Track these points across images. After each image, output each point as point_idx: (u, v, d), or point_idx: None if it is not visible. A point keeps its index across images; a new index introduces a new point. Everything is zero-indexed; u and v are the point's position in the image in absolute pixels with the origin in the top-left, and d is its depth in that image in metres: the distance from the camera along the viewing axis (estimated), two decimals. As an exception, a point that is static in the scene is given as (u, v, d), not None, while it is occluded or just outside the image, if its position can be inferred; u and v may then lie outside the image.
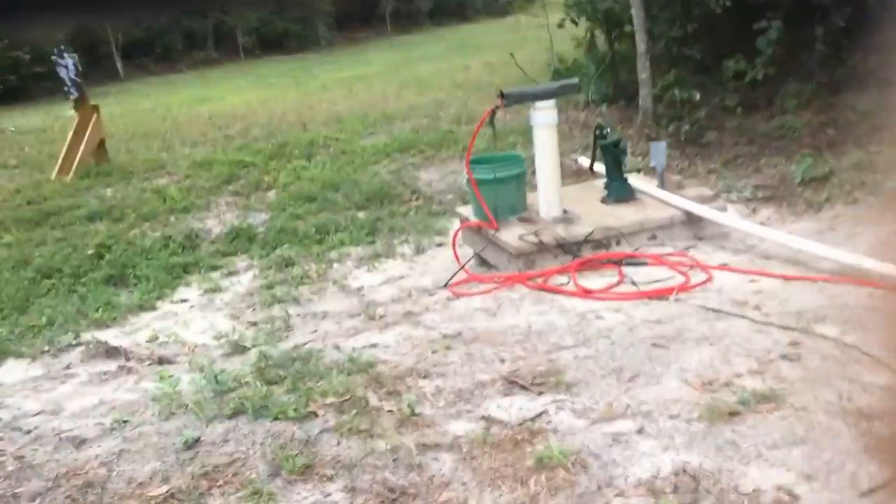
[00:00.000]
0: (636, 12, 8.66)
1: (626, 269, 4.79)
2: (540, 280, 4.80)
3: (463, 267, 5.45)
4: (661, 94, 8.87)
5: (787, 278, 4.41)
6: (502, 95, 5.25)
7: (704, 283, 4.47)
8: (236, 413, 3.23)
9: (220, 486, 2.85)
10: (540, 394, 3.23)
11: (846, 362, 3.22)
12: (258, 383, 3.51)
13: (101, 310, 5.73)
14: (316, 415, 3.16)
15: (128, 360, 4.54)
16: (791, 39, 9.70)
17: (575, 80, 5.54)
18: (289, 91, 16.51)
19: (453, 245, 5.57)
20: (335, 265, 6.40)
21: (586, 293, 4.49)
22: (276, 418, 3.15)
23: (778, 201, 6.44)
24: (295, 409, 3.18)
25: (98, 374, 4.37)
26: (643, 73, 8.70)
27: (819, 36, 9.02)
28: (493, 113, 5.43)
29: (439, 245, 6.54)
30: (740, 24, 9.62)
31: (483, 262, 5.74)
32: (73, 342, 5.10)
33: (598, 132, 5.75)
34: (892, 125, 7.76)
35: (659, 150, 5.74)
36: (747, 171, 7.31)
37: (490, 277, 5.17)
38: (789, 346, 3.42)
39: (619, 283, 4.61)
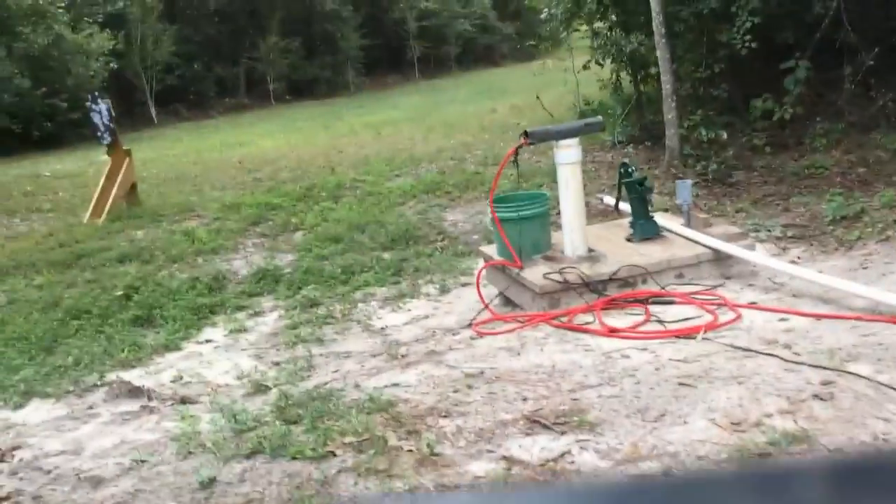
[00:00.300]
0: (661, 54, 8.68)
1: (653, 308, 4.71)
2: (564, 319, 4.73)
3: (487, 306, 5.41)
4: (687, 133, 8.84)
5: (818, 317, 4.30)
6: (526, 134, 5.25)
7: (733, 321, 4.38)
8: (254, 453, 3.19)
9: (235, 527, 2.80)
10: (563, 433, 3.15)
11: (881, 402, 3.11)
12: (277, 423, 3.47)
13: (127, 350, 5.76)
14: (334, 454, 3.11)
15: (150, 399, 4.54)
16: (819, 79, 9.67)
17: (599, 118, 5.53)
18: (318, 135, 16.73)
19: (477, 284, 5.53)
20: (360, 305, 6.38)
21: (612, 332, 4.41)
22: (293, 458, 3.10)
23: (808, 240, 6.34)
24: (313, 449, 3.13)
25: (120, 413, 4.36)
26: (669, 114, 8.69)
27: (847, 75, 8.97)
28: (517, 152, 5.43)
29: (464, 285, 6.50)
30: (767, 63, 9.61)
31: (508, 302, 5.69)
32: (98, 382, 5.12)
33: (623, 170, 5.72)
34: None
35: (685, 189, 5.68)
36: (776, 210, 7.22)
37: (514, 316, 5.12)
38: (821, 386, 3.32)
39: (645, 321, 4.53)
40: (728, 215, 7.20)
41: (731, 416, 3.14)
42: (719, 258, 5.27)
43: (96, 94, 10.42)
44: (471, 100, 20.43)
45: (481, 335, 4.87)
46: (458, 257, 7.18)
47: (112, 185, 10.13)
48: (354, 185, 10.17)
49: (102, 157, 11.69)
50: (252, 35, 29.60)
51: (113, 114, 10.28)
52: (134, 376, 5.25)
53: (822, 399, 3.20)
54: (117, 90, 25.56)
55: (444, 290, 6.45)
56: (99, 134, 10.27)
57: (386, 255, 7.39)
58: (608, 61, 10.65)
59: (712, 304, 4.68)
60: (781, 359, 3.68)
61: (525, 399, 3.54)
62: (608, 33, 10.78)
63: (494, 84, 24.28)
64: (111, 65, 23.17)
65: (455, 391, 3.74)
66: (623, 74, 11.11)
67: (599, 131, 6.60)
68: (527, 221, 5.44)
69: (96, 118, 10.14)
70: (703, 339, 4.15)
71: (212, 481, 3.01)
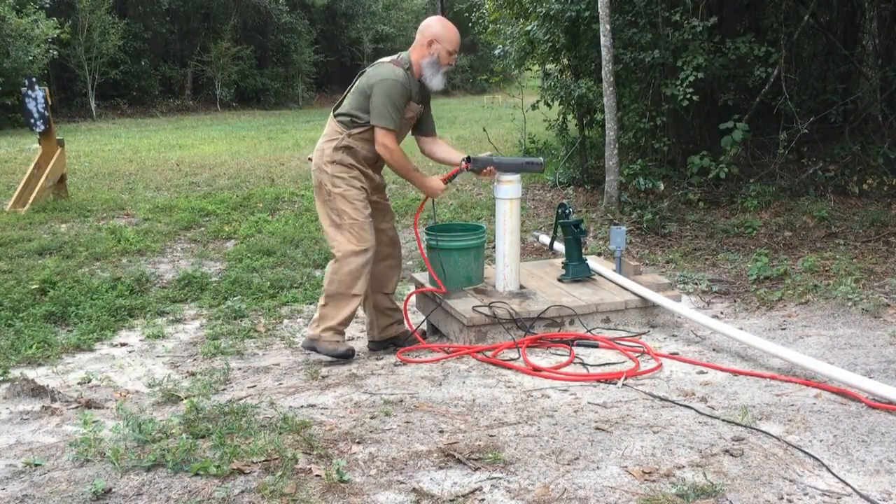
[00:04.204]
0: (608, 101, 8.85)
1: (577, 350, 4.73)
2: (489, 353, 4.72)
3: (414, 332, 5.36)
4: (626, 182, 9.02)
5: (735, 373, 4.38)
6: (469, 159, 5.25)
7: (653, 370, 4.42)
8: (155, 465, 3.06)
9: (127, 543, 2.67)
10: (476, 469, 3.11)
11: (789, 462, 3.17)
12: (184, 436, 3.34)
13: (35, 347, 5.53)
14: (240, 473, 3.00)
15: (53, 400, 4.34)
16: (755, 142, 10.00)
17: (540, 159, 5.56)
18: (261, 145, 16.52)
19: (405, 310, 5.48)
20: (286, 321, 6.28)
21: (535, 370, 4.41)
22: (196, 474, 2.98)
23: (732, 297, 6.50)
24: (218, 466, 3.01)
25: (20, 412, 4.16)
26: (611, 160, 8.85)
27: (782, 141, 9.31)
28: (456, 174, 5.39)
29: (393, 310, 6.44)
30: (707, 122, 9.91)
31: (435, 331, 5.66)
32: (0, 378, 4.89)
33: (560, 211, 5.77)
34: (846, 233, 7.94)
35: (619, 235, 5.76)
36: (705, 264, 7.39)
37: (439, 346, 5.08)
38: (733, 441, 3.36)
39: (568, 363, 4.55)
40: (658, 265, 7.34)
41: (643, 464, 3.15)
42: (646, 306, 5.34)
43: (34, 79, 10.09)
44: (419, 126, 20.45)
45: (405, 362, 4.82)
46: (390, 282, 7.12)
47: (40, 175, 9.82)
48: (293, 198, 10.05)
49: (34, 146, 11.31)
50: (203, 38, 29.22)
51: (49, 102, 9.99)
52: (39, 374, 5.04)
53: (732, 455, 3.23)
54: (58, 79, 24.90)
55: (372, 314, 6.38)
56: (32, 121, 9.95)
57: (317, 273, 7.30)
58: (556, 103, 10.82)
59: (635, 351, 4.73)
60: (697, 411, 3.73)
61: (442, 431, 3.50)
62: (559, 76, 10.97)
63: (443, 113, 24.41)
64: (52, 52, 22.52)
65: (372, 417, 3.68)
66: (570, 117, 11.30)
67: (538, 172, 6.65)
68: (461, 252, 5.43)
69: (31, 105, 9.83)
70: (624, 385, 4.18)
71: (106, 492, 2.86)
